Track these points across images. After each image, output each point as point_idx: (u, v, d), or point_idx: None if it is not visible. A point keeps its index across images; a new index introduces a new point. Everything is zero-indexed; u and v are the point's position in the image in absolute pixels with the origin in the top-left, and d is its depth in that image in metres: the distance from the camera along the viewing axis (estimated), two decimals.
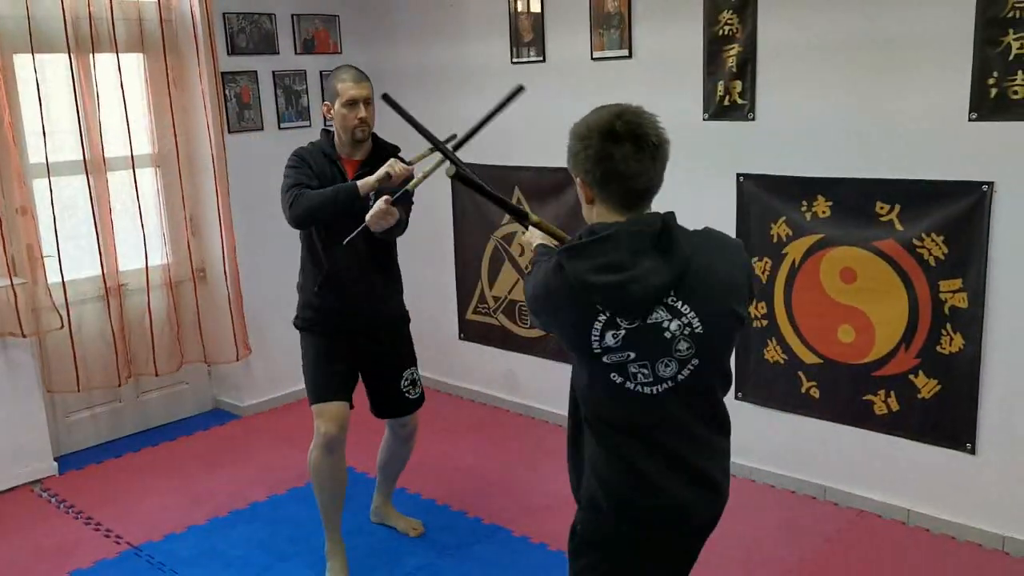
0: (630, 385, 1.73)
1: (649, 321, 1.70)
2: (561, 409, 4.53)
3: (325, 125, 3.26)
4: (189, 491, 3.95)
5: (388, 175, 2.93)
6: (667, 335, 1.71)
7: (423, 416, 4.79)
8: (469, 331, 4.94)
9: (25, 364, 4.02)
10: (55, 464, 4.15)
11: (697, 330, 1.72)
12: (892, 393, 3.43)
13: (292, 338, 4.93)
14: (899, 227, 3.31)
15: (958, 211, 3.17)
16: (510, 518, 3.62)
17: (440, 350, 5.10)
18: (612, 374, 1.73)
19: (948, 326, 3.26)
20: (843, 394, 3.55)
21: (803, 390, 3.65)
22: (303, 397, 4.91)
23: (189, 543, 3.48)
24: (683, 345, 1.72)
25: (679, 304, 1.71)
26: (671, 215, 1.77)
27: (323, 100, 3.15)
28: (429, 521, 3.62)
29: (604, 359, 1.72)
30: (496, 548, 3.40)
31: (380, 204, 2.86)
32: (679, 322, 1.71)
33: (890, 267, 3.34)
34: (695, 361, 1.74)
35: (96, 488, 4.01)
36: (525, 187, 4.48)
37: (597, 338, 1.71)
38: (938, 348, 3.30)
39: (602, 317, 1.70)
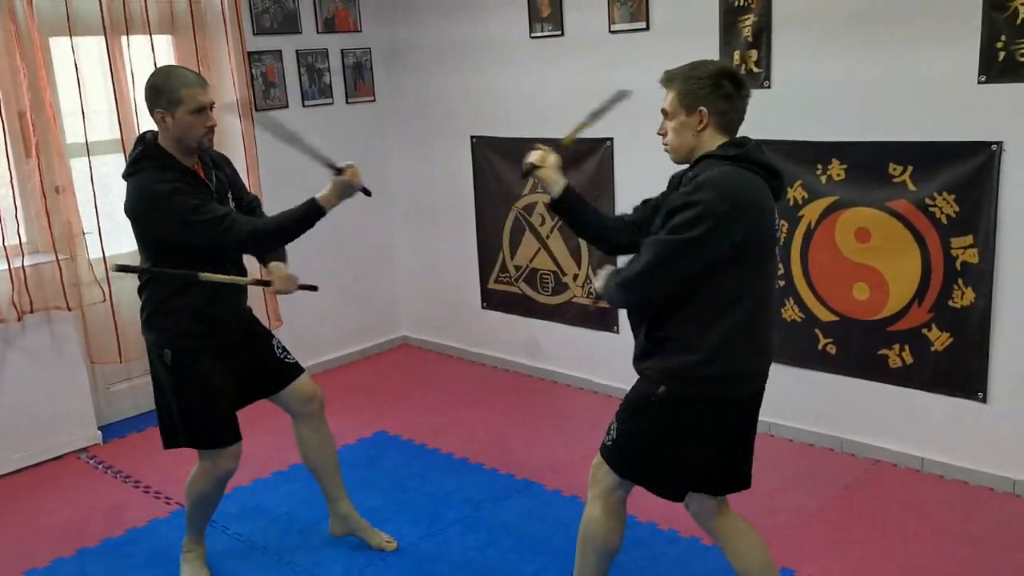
0: (779, 259, 2.25)
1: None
2: (583, 373, 4.72)
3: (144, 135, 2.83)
4: None
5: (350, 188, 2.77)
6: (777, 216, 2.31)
7: (447, 380, 4.99)
8: (491, 300, 5.10)
9: (69, 337, 4.18)
10: (99, 433, 4.32)
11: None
12: (906, 347, 3.58)
13: (321, 308, 5.13)
14: (912, 187, 3.45)
15: (968, 170, 3.31)
16: (541, 474, 3.78)
17: (463, 319, 5.26)
18: (777, 249, 2.27)
19: (960, 281, 3.41)
20: (859, 349, 3.71)
21: (820, 347, 3.81)
22: (334, 367, 5.16)
23: (236, 501, 3.65)
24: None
25: None
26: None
27: (152, 108, 2.69)
28: (462, 478, 3.79)
29: (776, 235, 2.25)
30: (531, 501, 3.57)
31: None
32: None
33: (903, 226, 3.49)
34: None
35: (140, 455, 4.18)
36: None
37: (777, 219, 2.27)
38: (950, 302, 3.45)
39: (773, 200, 2.24)
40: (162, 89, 2.68)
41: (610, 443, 2.42)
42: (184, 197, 2.68)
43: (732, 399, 2.31)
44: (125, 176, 2.80)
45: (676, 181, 2.38)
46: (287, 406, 3.15)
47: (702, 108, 2.22)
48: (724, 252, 2.14)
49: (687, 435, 2.32)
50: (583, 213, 2.53)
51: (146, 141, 2.78)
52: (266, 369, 3.07)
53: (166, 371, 2.86)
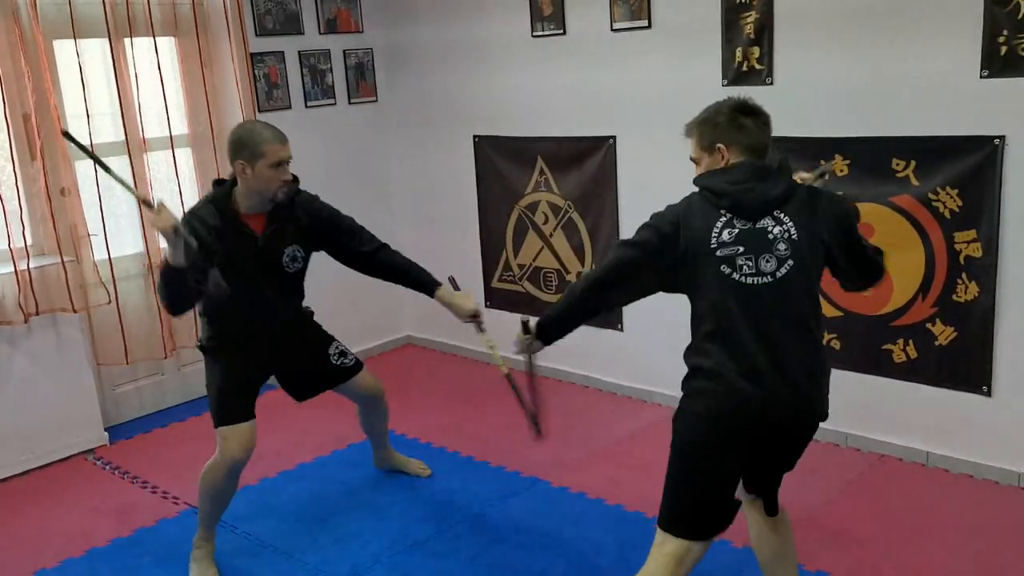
0: (736, 276, 2.23)
1: (758, 226, 2.24)
2: (587, 371, 4.73)
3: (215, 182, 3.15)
4: None
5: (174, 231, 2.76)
6: (770, 236, 2.24)
7: (452, 379, 5.00)
8: (495, 298, 5.11)
9: (75, 339, 4.19)
10: (105, 434, 4.33)
11: (793, 236, 2.24)
12: (910, 341, 3.60)
13: (323, 310, 5.11)
14: (915, 182, 3.46)
15: (971, 164, 3.32)
16: (547, 471, 3.80)
17: None
18: (722, 266, 2.24)
19: (963, 275, 3.42)
20: (863, 344, 3.72)
21: (824, 342, 3.80)
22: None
23: (245, 501, 3.65)
24: (782, 246, 2.23)
25: (783, 216, 2.26)
26: (787, 157, 2.46)
27: (234, 158, 2.94)
28: (469, 476, 3.80)
29: (717, 252, 2.23)
30: (537, 498, 3.58)
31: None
32: (780, 228, 2.24)
33: (907, 221, 3.50)
34: (790, 262, 2.22)
35: (147, 455, 4.20)
36: (548, 158, 4.63)
37: (716, 234, 2.25)
38: (954, 296, 3.46)
39: (723, 218, 2.25)
40: (247, 143, 2.92)
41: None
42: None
43: (713, 416, 2.26)
44: None
45: None
46: (348, 397, 3.56)
47: (719, 144, 2.31)
48: (663, 264, 2.30)
49: (690, 453, 2.32)
50: (578, 317, 2.60)
51: (223, 185, 3.05)
52: (322, 372, 3.39)
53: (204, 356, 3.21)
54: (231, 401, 3.10)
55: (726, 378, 2.22)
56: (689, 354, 2.34)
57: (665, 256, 2.29)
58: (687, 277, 2.29)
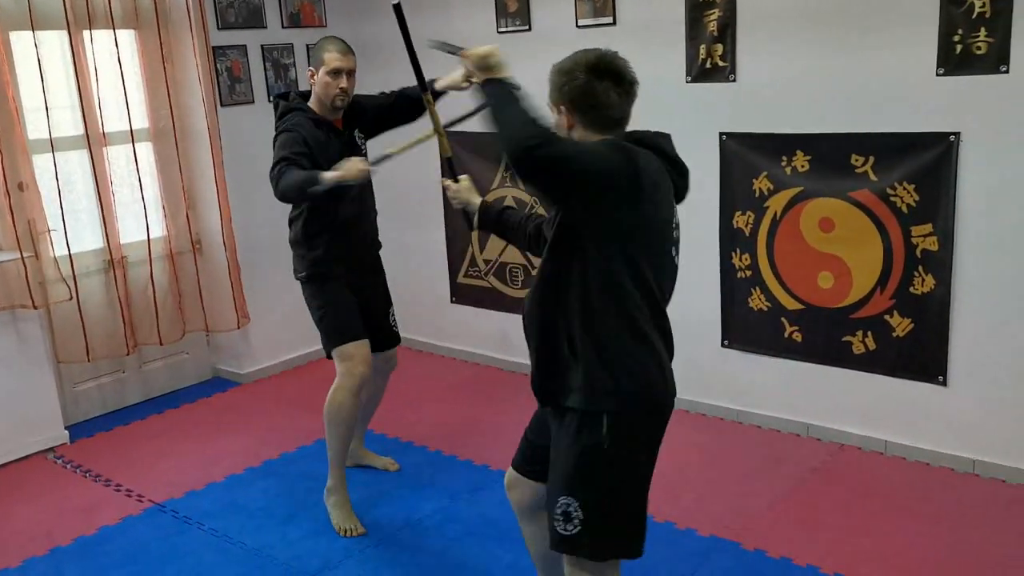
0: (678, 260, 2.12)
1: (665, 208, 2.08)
2: None
3: (298, 91, 3.46)
4: (202, 453, 4.09)
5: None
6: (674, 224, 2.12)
7: (419, 375, 5.01)
8: (461, 294, 5.12)
9: (34, 336, 4.11)
10: (66, 432, 4.26)
11: (677, 220, 2.14)
12: (869, 333, 3.68)
13: (289, 305, 5.09)
14: (873, 177, 3.54)
15: (928, 160, 3.41)
16: None
17: (432, 313, 5.27)
18: (672, 248, 2.09)
19: (920, 268, 3.52)
20: (823, 336, 3.80)
21: (786, 334, 3.90)
22: (303, 363, 5.12)
23: (211, 498, 3.64)
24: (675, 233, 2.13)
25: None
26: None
27: (308, 66, 3.29)
28: (437, 470, 3.81)
29: (674, 233, 2.10)
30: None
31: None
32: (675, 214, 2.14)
33: (865, 215, 3.58)
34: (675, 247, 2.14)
35: (109, 454, 4.14)
36: None
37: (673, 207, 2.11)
38: (911, 289, 3.55)
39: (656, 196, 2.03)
40: (316, 52, 3.26)
41: (576, 532, 2.11)
42: (287, 143, 3.11)
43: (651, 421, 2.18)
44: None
45: None
46: (374, 362, 3.55)
47: (561, 106, 2.03)
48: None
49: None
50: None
51: (287, 98, 3.29)
52: (379, 329, 3.52)
53: (304, 287, 3.37)
54: (348, 319, 3.28)
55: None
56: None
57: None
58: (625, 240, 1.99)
